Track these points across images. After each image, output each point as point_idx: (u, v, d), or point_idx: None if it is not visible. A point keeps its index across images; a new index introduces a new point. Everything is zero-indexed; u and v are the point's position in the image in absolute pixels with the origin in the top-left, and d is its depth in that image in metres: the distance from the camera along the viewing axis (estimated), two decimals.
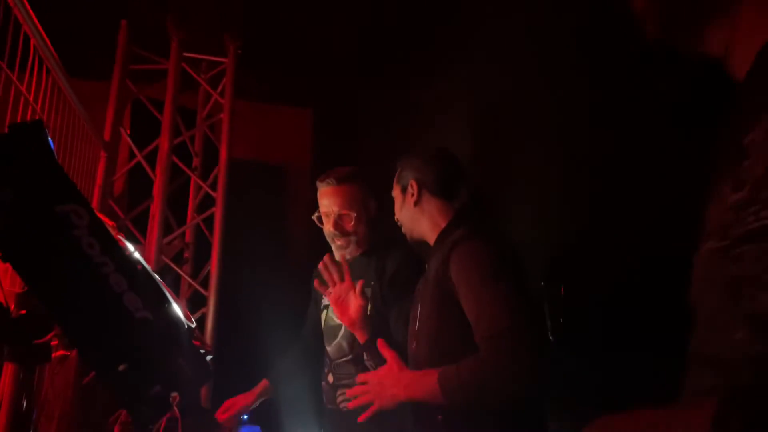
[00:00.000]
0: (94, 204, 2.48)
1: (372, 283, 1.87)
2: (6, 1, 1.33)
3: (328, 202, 1.92)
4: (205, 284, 2.82)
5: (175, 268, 2.79)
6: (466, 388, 1.24)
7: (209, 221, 2.92)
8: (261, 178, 3.65)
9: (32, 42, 1.53)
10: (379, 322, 1.74)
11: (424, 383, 1.32)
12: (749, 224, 0.56)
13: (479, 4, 2.38)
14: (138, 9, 2.72)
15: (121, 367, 0.80)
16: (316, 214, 1.97)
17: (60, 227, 0.77)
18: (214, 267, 2.78)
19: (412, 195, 1.59)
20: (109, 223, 1.29)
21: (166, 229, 2.78)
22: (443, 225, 1.56)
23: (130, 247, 0.93)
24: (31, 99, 1.47)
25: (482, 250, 1.38)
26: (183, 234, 2.93)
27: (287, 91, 3.69)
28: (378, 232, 1.98)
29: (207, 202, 2.97)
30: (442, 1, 2.56)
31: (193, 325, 1.23)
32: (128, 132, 2.88)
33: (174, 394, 0.84)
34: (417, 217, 1.61)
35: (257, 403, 2.04)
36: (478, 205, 1.65)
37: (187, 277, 2.84)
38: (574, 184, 1.90)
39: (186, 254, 2.94)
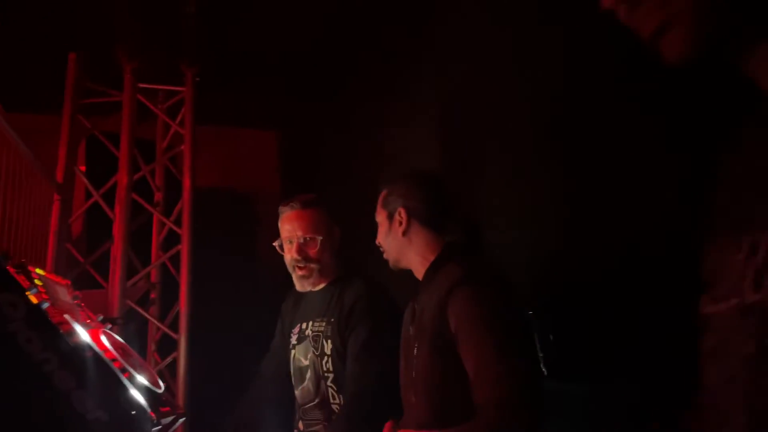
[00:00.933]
0: (50, 251, 2.32)
1: (332, 319, 1.79)
2: None
3: (291, 227, 1.81)
4: (174, 326, 2.67)
5: (141, 311, 2.64)
6: None
7: (176, 258, 2.77)
8: (229, 205, 3.54)
9: None
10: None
11: None
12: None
13: (441, 15, 2.33)
14: (87, 40, 2.58)
15: None
16: (277, 242, 1.86)
17: None
18: (183, 307, 2.64)
19: (401, 224, 1.50)
20: (62, 282, 1.16)
21: (130, 271, 2.63)
22: (431, 258, 1.48)
23: (77, 327, 0.81)
24: None
25: (480, 297, 1.32)
26: (148, 274, 2.78)
27: (251, 115, 3.60)
28: (340, 263, 1.89)
29: (172, 239, 2.82)
30: (402, 16, 2.50)
31: (160, 390, 1.11)
32: (83, 170, 2.73)
33: None
34: (404, 247, 1.52)
35: None
36: (469, 237, 1.58)
37: (154, 321, 2.69)
38: (553, 196, 1.86)
39: (152, 295, 2.79)
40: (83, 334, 0.80)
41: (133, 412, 0.75)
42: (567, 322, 1.64)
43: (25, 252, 1.96)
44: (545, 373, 1.47)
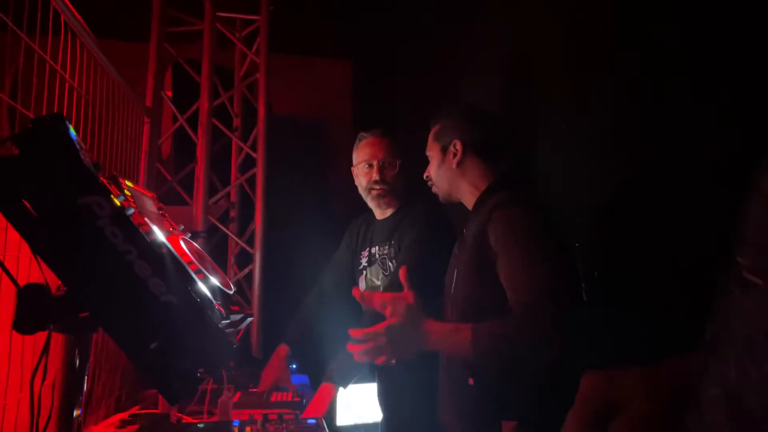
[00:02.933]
0: (141, 169, 2.57)
1: (392, 242, 1.91)
2: None
3: (372, 151, 1.97)
4: (251, 242, 2.91)
5: (222, 227, 2.89)
6: (496, 339, 1.18)
7: (252, 180, 2.98)
8: (303, 132, 3.69)
9: (62, 17, 1.55)
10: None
11: (453, 333, 1.23)
12: None
13: None
14: None
15: (153, 345, 0.85)
16: (356, 164, 2.00)
17: (83, 218, 0.80)
18: (258, 225, 2.86)
19: (455, 155, 1.55)
20: (148, 194, 1.34)
21: (212, 190, 2.86)
22: (482, 188, 1.53)
23: (156, 229, 0.96)
24: (59, 67, 1.50)
25: (521, 215, 1.35)
26: (228, 194, 3.01)
27: (326, 44, 3.65)
28: (407, 192, 2.01)
29: (249, 162, 3.02)
30: None
31: (232, 291, 1.28)
32: (170, 95, 2.94)
33: (200, 371, 0.89)
34: (456, 179, 1.57)
35: (287, 371, 2.07)
36: (520, 169, 1.61)
37: (233, 236, 2.94)
38: (610, 146, 1.81)
39: (232, 213, 3.03)
40: (159, 235, 0.94)
41: (198, 300, 0.88)
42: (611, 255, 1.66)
43: (120, 169, 2.20)
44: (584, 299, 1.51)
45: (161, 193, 2.82)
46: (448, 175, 1.58)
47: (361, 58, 3.86)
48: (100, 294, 0.82)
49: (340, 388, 1.77)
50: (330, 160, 3.55)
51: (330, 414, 1.83)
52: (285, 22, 3.08)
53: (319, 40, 3.52)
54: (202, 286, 0.95)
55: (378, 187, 1.95)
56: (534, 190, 1.65)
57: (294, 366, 2.29)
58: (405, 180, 1.99)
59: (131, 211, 0.91)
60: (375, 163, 1.95)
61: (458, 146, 1.55)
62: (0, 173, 0.78)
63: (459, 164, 1.55)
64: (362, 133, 2.03)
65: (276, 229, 3.00)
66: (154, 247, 0.86)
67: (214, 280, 1.11)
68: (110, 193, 0.84)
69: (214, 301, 0.98)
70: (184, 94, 3.01)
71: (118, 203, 0.85)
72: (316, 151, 3.51)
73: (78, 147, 0.85)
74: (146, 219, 0.95)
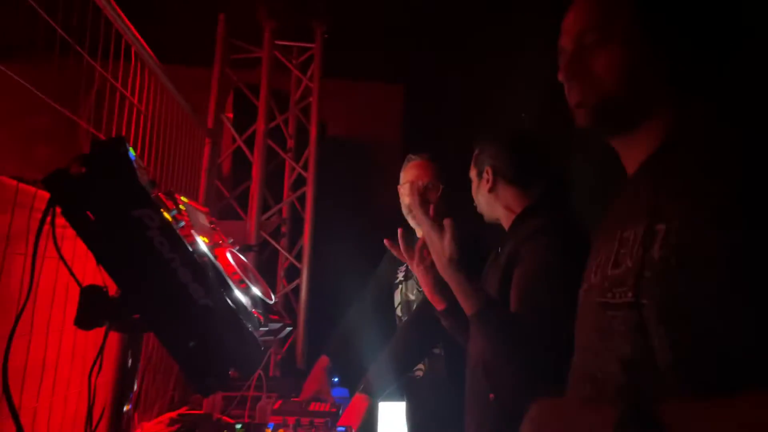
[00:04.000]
0: (201, 186, 2.75)
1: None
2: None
3: (418, 173, 2.06)
4: (299, 257, 3.04)
5: (273, 242, 3.03)
6: (497, 320, 1.31)
7: (302, 198, 3.12)
8: (354, 153, 3.81)
9: (132, 48, 1.73)
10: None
11: (471, 291, 1.35)
12: (618, 298, 0.71)
13: None
14: (233, 2, 2.92)
15: (191, 344, 0.96)
16: (402, 184, 2.10)
17: (136, 229, 0.92)
18: (306, 241, 2.99)
19: (488, 181, 1.63)
20: (202, 210, 1.47)
21: (264, 207, 3.02)
22: (517, 211, 1.59)
23: (200, 241, 1.07)
24: (128, 94, 1.67)
25: (549, 247, 1.42)
26: (280, 211, 3.16)
27: (378, 68, 3.78)
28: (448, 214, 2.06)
29: (301, 181, 3.16)
30: None
31: (272, 302, 1.37)
32: (230, 116, 3.14)
33: (231, 371, 0.98)
34: (492, 203, 1.65)
35: (327, 382, 2.15)
36: (556, 193, 1.65)
37: (283, 251, 3.08)
38: None
39: (283, 229, 3.17)
40: (202, 246, 1.05)
41: (233, 305, 0.98)
42: None
43: (182, 184, 2.37)
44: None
45: (219, 207, 3.01)
46: (484, 200, 1.66)
47: (413, 82, 3.97)
48: (148, 295, 0.93)
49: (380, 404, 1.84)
50: (378, 180, 3.65)
51: (370, 427, 1.89)
52: (340, 46, 3.23)
53: (372, 64, 3.65)
54: (239, 294, 1.05)
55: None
56: (565, 215, 1.68)
57: (336, 379, 2.36)
58: (445, 202, 2.05)
59: (182, 224, 1.02)
60: (420, 184, 2.03)
61: (489, 173, 1.62)
62: (68, 188, 0.91)
63: (491, 190, 1.62)
64: (411, 155, 2.13)
65: (324, 246, 3.12)
66: (196, 256, 0.97)
67: (256, 290, 1.22)
68: (160, 207, 0.96)
69: (251, 309, 1.08)
70: (243, 117, 3.19)
71: (168, 216, 0.96)
72: (365, 172, 3.62)
73: (135, 166, 0.97)
74: (192, 231, 1.06)
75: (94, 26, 1.49)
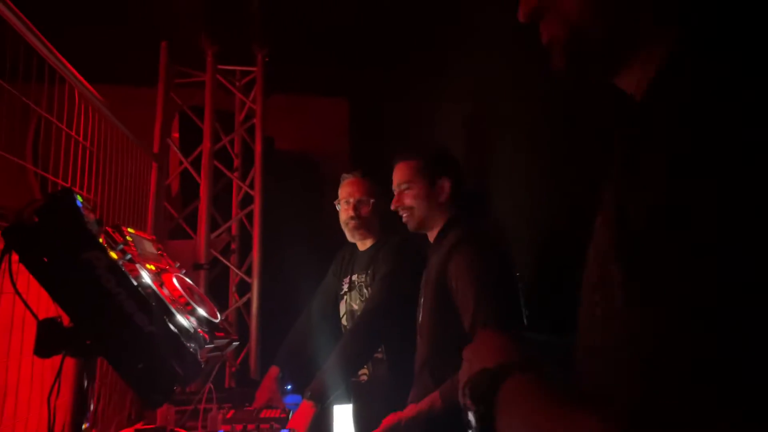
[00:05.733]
0: (150, 207, 2.85)
1: (370, 271, 2.17)
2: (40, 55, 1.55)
3: (350, 190, 2.26)
4: (249, 272, 3.17)
5: (222, 260, 3.15)
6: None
7: (251, 215, 3.25)
8: (302, 167, 3.95)
9: (76, 90, 1.84)
10: None
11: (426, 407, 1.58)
12: (599, 304, 0.60)
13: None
14: (175, 29, 3.02)
15: (139, 365, 1.10)
16: (337, 201, 2.30)
17: (85, 269, 1.06)
18: (255, 257, 3.12)
19: (443, 192, 1.76)
20: (148, 238, 1.60)
21: (214, 225, 3.13)
22: (442, 225, 1.79)
23: (144, 274, 1.22)
24: (73, 133, 1.76)
25: (475, 256, 1.61)
26: (229, 228, 3.28)
27: (322, 83, 3.92)
28: (383, 226, 2.27)
29: (248, 198, 3.29)
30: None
31: (217, 320, 1.52)
32: (178, 138, 3.24)
33: (176, 387, 1.13)
34: (435, 214, 1.78)
35: (277, 390, 2.29)
36: (475, 205, 1.85)
37: (233, 267, 3.21)
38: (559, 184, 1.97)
39: (232, 246, 3.29)
40: (146, 278, 1.19)
41: (176, 330, 1.13)
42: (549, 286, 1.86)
43: (130, 209, 2.47)
44: (525, 323, 1.74)
45: (169, 228, 3.10)
46: (430, 211, 1.78)
47: (356, 96, 4.13)
48: (99, 326, 1.07)
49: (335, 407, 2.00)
50: (327, 193, 3.80)
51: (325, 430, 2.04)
52: (285, 61, 3.35)
53: (316, 79, 3.79)
54: (180, 318, 1.20)
55: (353, 222, 2.22)
56: (484, 225, 1.89)
57: (289, 387, 2.50)
58: (378, 215, 2.25)
59: (128, 256, 1.17)
60: (351, 200, 2.23)
61: (447, 185, 1.76)
62: (24, 237, 1.04)
63: (444, 201, 1.78)
64: (344, 174, 2.33)
65: (275, 258, 3.25)
66: (140, 288, 1.11)
67: (201, 311, 1.36)
68: (106, 247, 1.10)
69: (198, 328, 1.24)
70: (189, 137, 3.30)
71: (114, 254, 1.11)
72: (314, 184, 3.77)
73: (83, 213, 1.11)
74: (137, 265, 1.21)
75: (27, 62, 1.51)
